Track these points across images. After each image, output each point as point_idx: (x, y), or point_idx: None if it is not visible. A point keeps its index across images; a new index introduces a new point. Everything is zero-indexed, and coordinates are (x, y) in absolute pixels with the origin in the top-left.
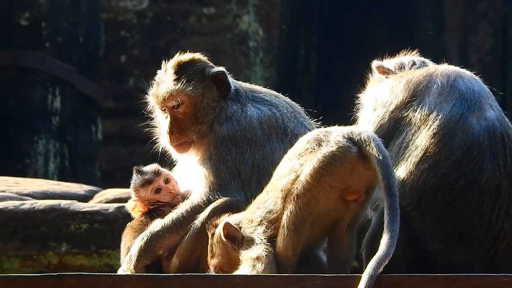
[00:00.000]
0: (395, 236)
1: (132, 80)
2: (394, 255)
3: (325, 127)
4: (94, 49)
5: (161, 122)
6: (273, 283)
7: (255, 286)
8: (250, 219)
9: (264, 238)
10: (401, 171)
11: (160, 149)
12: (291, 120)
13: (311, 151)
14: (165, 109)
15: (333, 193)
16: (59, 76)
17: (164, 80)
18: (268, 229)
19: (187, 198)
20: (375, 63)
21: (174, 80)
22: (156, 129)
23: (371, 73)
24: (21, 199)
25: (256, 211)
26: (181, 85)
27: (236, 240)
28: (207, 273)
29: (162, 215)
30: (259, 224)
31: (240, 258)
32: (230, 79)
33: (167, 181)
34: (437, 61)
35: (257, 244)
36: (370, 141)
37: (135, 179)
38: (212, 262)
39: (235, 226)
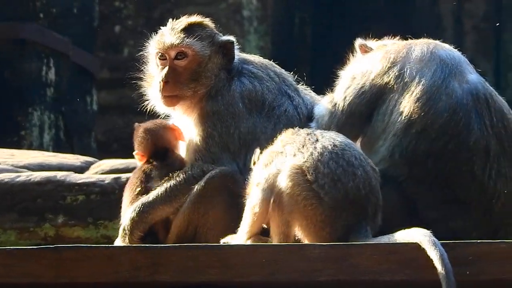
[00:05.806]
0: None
1: (127, 51)
2: (391, 225)
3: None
4: (89, 20)
5: (155, 73)
6: (273, 252)
7: (254, 254)
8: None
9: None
10: (389, 139)
11: (148, 105)
12: (271, 92)
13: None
14: (165, 58)
15: None
16: (55, 48)
17: (172, 33)
18: None
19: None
20: (358, 42)
21: (184, 35)
22: (145, 82)
23: (353, 53)
24: (16, 172)
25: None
26: (191, 40)
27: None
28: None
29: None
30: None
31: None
32: (236, 51)
33: None
34: (431, 28)
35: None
36: None
37: None
38: None
39: None
